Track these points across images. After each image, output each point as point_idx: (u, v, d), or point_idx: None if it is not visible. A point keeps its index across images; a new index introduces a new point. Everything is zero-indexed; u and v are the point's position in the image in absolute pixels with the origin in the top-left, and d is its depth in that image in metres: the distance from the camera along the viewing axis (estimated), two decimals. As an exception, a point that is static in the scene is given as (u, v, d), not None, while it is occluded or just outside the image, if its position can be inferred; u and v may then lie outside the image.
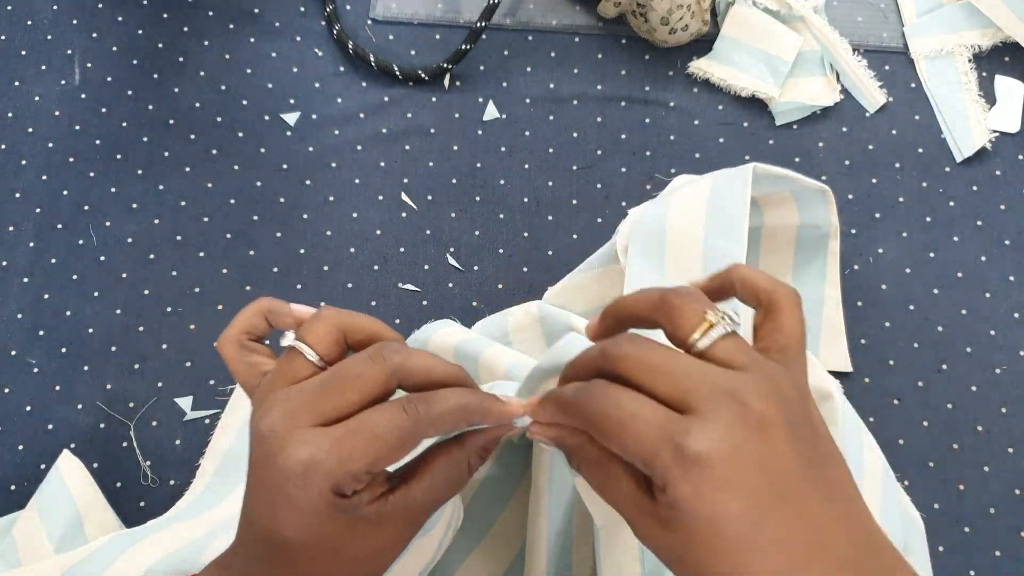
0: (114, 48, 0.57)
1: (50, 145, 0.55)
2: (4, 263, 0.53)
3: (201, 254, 0.54)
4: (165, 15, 0.58)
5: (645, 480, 0.26)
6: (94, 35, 0.57)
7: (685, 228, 0.43)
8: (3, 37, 0.57)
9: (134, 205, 0.55)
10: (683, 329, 0.27)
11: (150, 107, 0.56)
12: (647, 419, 0.25)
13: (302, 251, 0.54)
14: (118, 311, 0.52)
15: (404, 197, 0.55)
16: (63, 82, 0.56)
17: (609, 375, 0.27)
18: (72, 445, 0.50)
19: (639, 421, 0.25)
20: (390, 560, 0.29)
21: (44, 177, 0.55)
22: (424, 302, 0.53)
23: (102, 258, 0.53)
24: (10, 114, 0.56)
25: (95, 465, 0.49)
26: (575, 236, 0.55)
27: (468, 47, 0.55)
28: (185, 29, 0.57)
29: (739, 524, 0.24)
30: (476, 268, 0.54)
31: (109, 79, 0.56)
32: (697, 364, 0.26)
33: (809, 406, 0.27)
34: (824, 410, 0.44)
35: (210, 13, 0.58)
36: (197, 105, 0.56)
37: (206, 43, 0.57)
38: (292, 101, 0.56)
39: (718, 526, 0.24)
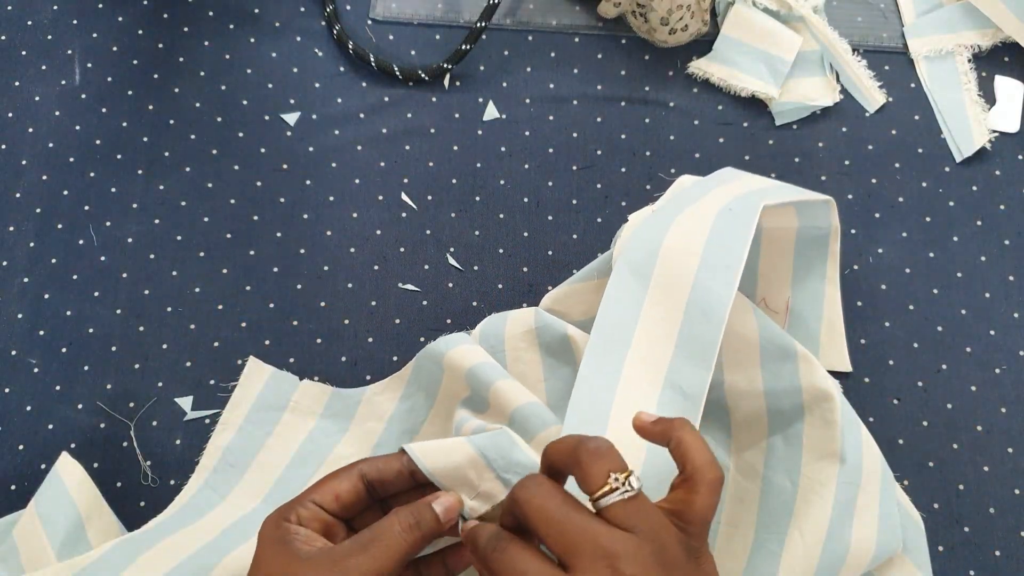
0: (114, 48, 0.57)
1: (50, 145, 0.55)
2: (4, 263, 0.53)
3: (201, 254, 0.54)
4: (165, 15, 0.58)
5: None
6: (94, 35, 0.57)
7: (680, 259, 0.42)
8: (3, 37, 0.57)
9: (134, 205, 0.55)
10: (588, 485, 0.30)
11: (150, 107, 0.56)
12: (560, 514, 0.28)
13: (302, 251, 0.54)
14: (118, 311, 0.52)
15: (404, 197, 0.55)
16: (63, 82, 0.56)
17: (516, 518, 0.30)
18: (72, 445, 0.50)
19: (551, 507, 0.28)
20: None
21: (44, 177, 0.55)
22: (424, 302, 0.53)
23: (102, 258, 0.54)
24: (10, 114, 0.56)
25: (95, 465, 0.49)
26: (575, 236, 0.55)
27: (468, 47, 0.55)
28: (185, 29, 0.57)
29: None
30: (476, 268, 0.54)
31: (109, 79, 0.56)
32: (587, 523, 0.28)
33: (700, 563, 0.29)
34: (823, 411, 0.44)
35: (210, 13, 0.58)
36: (197, 105, 0.56)
37: (206, 43, 0.57)
38: (292, 101, 0.56)
39: None
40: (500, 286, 0.54)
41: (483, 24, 0.54)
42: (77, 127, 0.56)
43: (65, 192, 0.55)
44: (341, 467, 0.35)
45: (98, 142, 0.55)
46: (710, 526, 0.31)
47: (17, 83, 0.56)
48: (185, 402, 0.51)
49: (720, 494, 0.31)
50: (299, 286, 0.53)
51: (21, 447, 0.50)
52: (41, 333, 0.52)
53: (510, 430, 0.39)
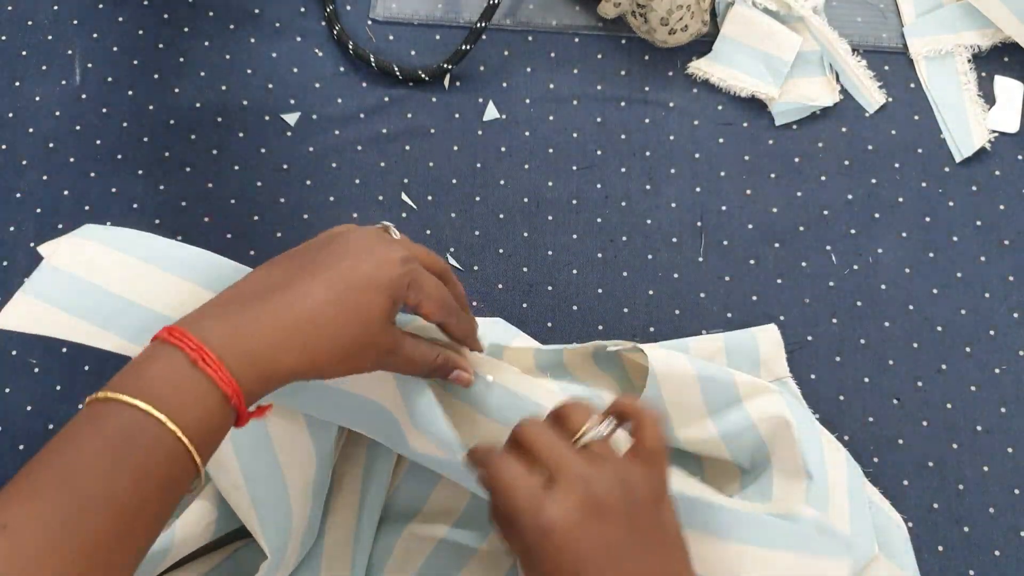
0: (114, 48, 0.57)
1: (50, 145, 0.55)
2: (4, 263, 0.53)
3: (201, 254, 0.54)
4: (165, 15, 0.58)
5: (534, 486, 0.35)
6: (94, 35, 0.57)
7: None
8: (4, 37, 0.57)
9: (135, 205, 0.55)
10: (571, 425, 0.36)
11: (150, 107, 0.56)
12: (520, 486, 0.34)
13: (302, 251, 0.54)
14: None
15: (404, 197, 0.55)
16: (63, 82, 0.56)
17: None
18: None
19: (514, 487, 0.34)
20: (356, 366, 0.37)
21: (45, 177, 0.55)
22: (424, 302, 0.53)
23: (102, 258, 0.54)
24: (10, 114, 0.56)
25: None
26: (575, 236, 0.55)
27: (468, 47, 0.55)
28: (185, 29, 0.57)
29: (570, 565, 0.32)
30: (476, 268, 0.54)
31: (109, 79, 0.56)
32: (571, 452, 0.35)
33: (660, 504, 0.35)
34: (782, 437, 0.45)
35: (210, 13, 0.58)
36: (197, 105, 0.56)
37: (206, 43, 0.57)
38: (292, 101, 0.56)
39: (554, 565, 0.32)
40: (500, 286, 0.54)
41: (483, 24, 0.54)
42: (77, 127, 0.56)
43: (65, 192, 0.55)
44: (443, 294, 0.39)
45: (98, 142, 0.55)
46: (666, 456, 0.36)
47: (17, 83, 0.56)
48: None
49: (661, 424, 0.36)
50: (299, 286, 0.53)
51: (21, 447, 0.50)
52: (41, 333, 0.52)
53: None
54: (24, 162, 0.55)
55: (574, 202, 0.55)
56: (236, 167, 0.55)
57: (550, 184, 0.56)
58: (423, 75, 0.56)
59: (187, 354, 0.32)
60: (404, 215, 0.55)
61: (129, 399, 0.31)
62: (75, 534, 0.28)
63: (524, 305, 0.53)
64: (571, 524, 0.33)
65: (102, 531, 0.29)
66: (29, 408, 0.51)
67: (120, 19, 0.58)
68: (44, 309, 0.38)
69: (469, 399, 0.43)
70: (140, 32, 0.57)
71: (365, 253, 0.36)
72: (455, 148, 0.56)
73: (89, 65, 0.57)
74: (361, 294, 0.36)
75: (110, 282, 0.38)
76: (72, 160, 0.55)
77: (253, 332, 0.33)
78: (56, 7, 0.57)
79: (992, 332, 0.53)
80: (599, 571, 0.33)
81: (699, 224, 0.55)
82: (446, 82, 0.57)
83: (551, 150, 0.56)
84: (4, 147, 0.55)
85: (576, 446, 0.35)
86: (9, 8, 0.57)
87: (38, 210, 0.54)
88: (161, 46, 0.57)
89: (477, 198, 0.55)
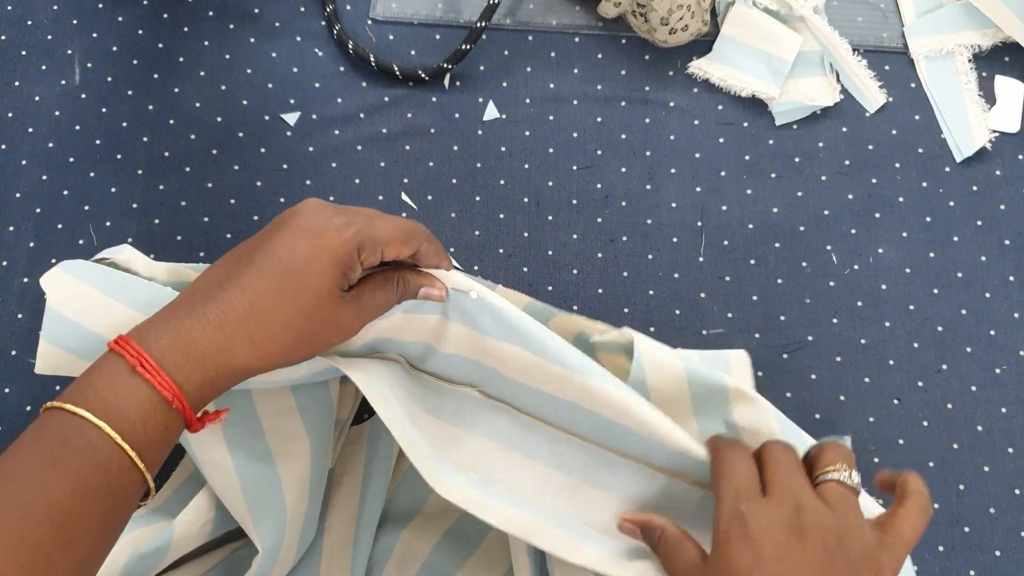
0: (114, 48, 0.57)
1: (50, 145, 0.55)
2: (4, 263, 0.53)
3: (201, 254, 0.54)
4: (165, 15, 0.58)
5: (702, 556, 0.34)
6: (94, 35, 0.57)
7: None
8: (3, 37, 0.57)
9: (134, 205, 0.55)
10: (818, 462, 0.35)
11: (150, 107, 0.56)
12: (740, 474, 0.34)
13: (302, 251, 0.54)
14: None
15: (404, 197, 0.55)
16: (63, 82, 0.56)
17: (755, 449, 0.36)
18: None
19: (735, 474, 0.34)
20: (322, 344, 0.36)
21: (44, 177, 0.55)
22: (424, 302, 0.53)
23: (102, 258, 0.54)
24: (10, 114, 0.56)
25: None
26: (575, 236, 0.55)
27: (468, 47, 0.55)
28: (185, 29, 0.57)
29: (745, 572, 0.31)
30: (476, 268, 0.54)
31: (109, 79, 0.56)
32: (799, 475, 0.34)
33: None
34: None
35: (210, 13, 0.58)
36: (197, 105, 0.56)
37: (206, 43, 0.57)
38: (292, 101, 0.56)
39: (731, 568, 0.32)
40: (500, 286, 0.54)
41: (483, 24, 0.54)
42: (77, 127, 0.56)
43: (65, 192, 0.55)
44: (409, 230, 0.38)
45: (98, 142, 0.55)
46: (909, 549, 0.33)
47: (17, 83, 0.56)
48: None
49: (928, 515, 0.34)
50: (299, 286, 0.53)
51: (21, 447, 0.50)
52: (41, 333, 0.52)
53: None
54: (24, 162, 0.55)
55: (574, 202, 0.55)
56: (236, 167, 0.55)
57: (550, 184, 0.55)
58: (423, 75, 0.56)
59: (127, 361, 0.32)
60: (404, 215, 0.55)
61: (70, 407, 0.31)
62: (12, 541, 0.28)
63: (524, 305, 0.54)
64: (767, 524, 0.32)
65: (40, 538, 0.29)
66: (29, 408, 0.51)
67: (120, 19, 0.58)
68: (63, 356, 0.40)
69: (449, 313, 0.42)
70: (140, 32, 0.57)
71: (304, 230, 0.35)
72: (455, 148, 0.56)
73: (89, 65, 0.57)
74: (302, 274, 0.35)
75: (100, 327, 0.40)
76: (72, 160, 0.55)
77: (196, 334, 0.33)
78: (56, 7, 0.57)
79: (992, 332, 0.53)
80: None
81: (699, 224, 0.55)
82: (446, 82, 0.57)
83: (551, 150, 0.56)
84: (4, 147, 0.55)
85: (814, 481, 0.34)
86: (9, 8, 0.57)
87: (38, 210, 0.54)
88: (161, 46, 0.57)
89: (477, 198, 0.55)
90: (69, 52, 0.57)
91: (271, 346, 0.34)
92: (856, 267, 0.54)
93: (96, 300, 0.40)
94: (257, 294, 0.34)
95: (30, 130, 0.55)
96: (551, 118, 0.56)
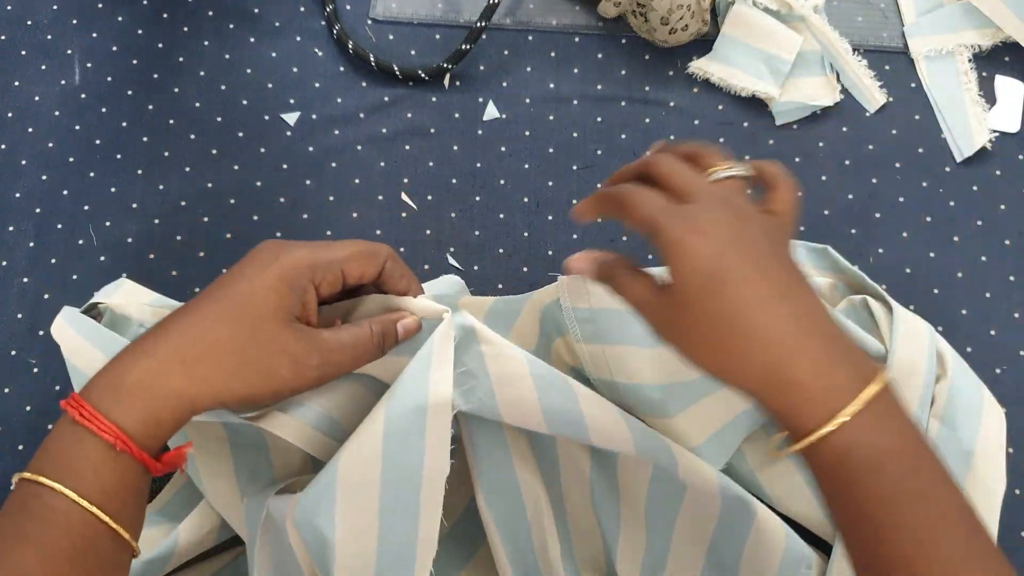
0: (114, 48, 0.57)
1: (50, 145, 0.55)
2: (4, 263, 0.53)
3: (201, 254, 0.54)
4: (165, 15, 0.58)
5: (654, 286, 0.35)
6: (94, 35, 0.57)
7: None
8: (3, 37, 0.57)
9: (134, 205, 0.55)
10: (706, 162, 0.36)
11: (150, 107, 0.56)
12: (655, 200, 0.34)
13: (302, 251, 0.54)
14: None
15: (404, 197, 0.55)
16: (63, 82, 0.56)
17: (643, 178, 0.36)
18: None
19: (650, 200, 0.34)
20: (270, 373, 0.34)
21: (44, 177, 0.55)
22: (424, 302, 0.53)
23: (102, 258, 0.54)
24: (10, 114, 0.56)
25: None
26: (575, 236, 0.55)
27: (468, 47, 0.55)
28: (185, 29, 0.57)
29: (715, 262, 0.32)
30: (476, 268, 0.54)
31: (109, 79, 0.56)
32: (704, 179, 0.35)
33: (785, 249, 0.35)
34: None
35: (210, 13, 0.58)
36: (197, 105, 0.56)
37: (206, 43, 0.57)
38: (292, 101, 0.56)
39: (698, 265, 0.32)
40: (500, 286, 0.54)
41: (483, 24, 0.54)
42: (77, 127, 0.56)
43: (65, 192, 0.55)
44: (370, 246, 0.37)
45: (98, 142, 0.55)
46: (795, 221, 0.36)
47: (17, 83, 0.56)
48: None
49: (796, 191, 0.36)
50: (299, 286, 0.53)
51: (21, 447, 0.50)
52: (41, 333, 0.52)
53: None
54: (24, 162, 0.55)
55: (574, 202, 0.55)
56: (236, 167, 0.55)
57: (550, 184, 0.55)
58: (423, 75, 0.56)
59: (69, 412, 0.31)
60: (404, 215, 0.55)
61: (28, 475, 0.30)
62: None
63: (524, 305, 0.54)
64: (712, 216, 0.33)
65: None
66: (29, 408, 0.51)
67: (120, 19, 0.58)
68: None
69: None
70: (140, 32, 0.57)
71: (255, 259, 0.35)
72: (455, 148, 0.56)
73: (89, 65, 0.57)
74: (246, 296, 0.33)
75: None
76: (72, 160, 0.55)
77: (128, 365, 0.32)
78: (56, 7, 0.57)
79: (992, 332, 0.53)
80: (745, 256, 0.32)
81: (699, 224, 0.55)
82: (446, 82, 0.57)
83: (551, 150, 0.56)
84: (4, 147, 0.55)
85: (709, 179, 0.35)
86: (9, 8, 0.57)
87: (38, 210, 0.54)
88: (161, 46, 0.57)
89: (477, 198, 0.55)
90: (69, 52, 0.57)
91: (208, 369, 0.33)
92: (856, 267, 0.54)
93: (92, 356, 0.41)
94: (194, 318, 0.33)
95: (30, 130, 0.55)
96: (551, 118, 0.56)
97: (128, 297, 0.46)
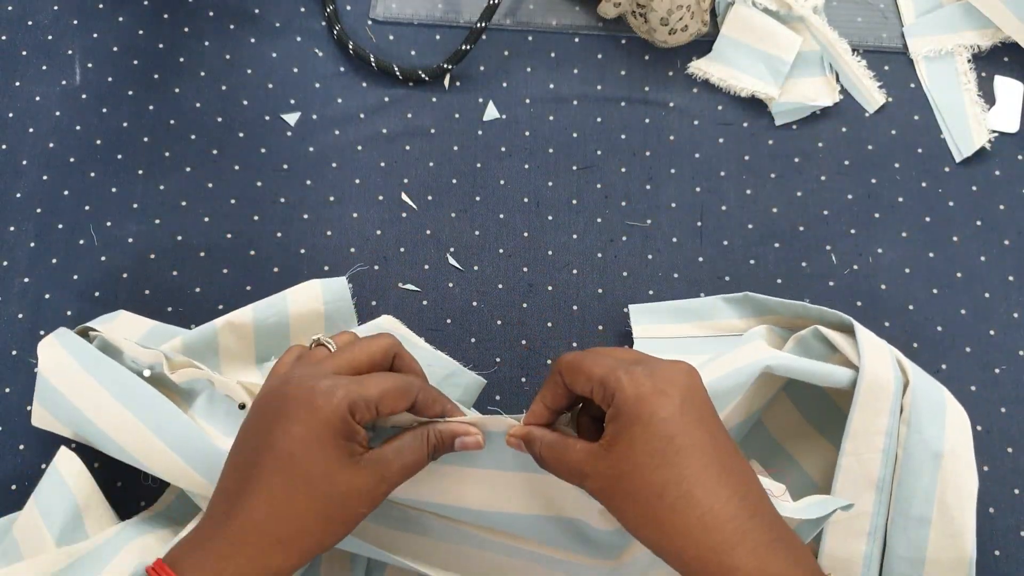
0: (115, 48, 0.57)
1: (51, 145, 0.55)
2: (4, 263, 0.53)
3: (201, 254, 0.54)
4: (165, 15, 0.58)
5: (591, 449, 0.35)
6: (95, 35, 0.57)
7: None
8: (3, 37, 0.57)
9: (135, 205, 0.55)
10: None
11: (151, 107, 0.56)
12: (606, 358, 0.35)
13: (303, 251, 0.54)
14: (119, 311, 0.52)
15: (404, 197, 0.55)
16: (64, 82, 0.56)
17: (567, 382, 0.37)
18: (72, 445, 0.49)
19: (602, 358, 0.35)
20: (351, 517, 0.36)
21: (45, 177, 0.55)
22: (424, 302, 0.53)
23: (103, 258, 0.54)
24: (10, 114, 0.56)
25: (95, 465, 0.49)
26: (575, 236, 0.55)
27: (468, 47, 0.55)
28: (185, 29, 0.57)
29: (669, 426, 0.32)
30: (476, 268, 0.54)
31: (110, 79, 0.56)
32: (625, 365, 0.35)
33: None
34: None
35: (210, 13, 0.58)
36: (198, 105, 0.56)
37: (206, 43, 0.57)
38: (292, 101, 0.56)
39: (659, 429, 0.32)
40: (500, 286, 0.54)
41: (483, 24, 0.54)
42: (77, 127, 0.56)
43: (65, 192, 0.55)
44: (398, 379, 0.37)
45: (98, 142, 0.56)
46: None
47: (17, 83, 0.56)
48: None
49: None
50: (299, 286, 0.53)
51: (21, 447, 0.50)
52: (41, 333, 0.52)
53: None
54: (24, 162, 0.55)
55: (574, 202, 0.55)
56: (236, 167, 0.55)
57: (550, 184, 0.56)
58: (423, 75, 0.56)
59: None
60: (404, 215, 0.55)
61: None
62: None
63: (524, 305, 0.54)
64: (667, 377, 0.34)
65: None
66: (29, 408, 0.51)
67: (120, 19, 0.58)
68: (49, 416, 0.45)
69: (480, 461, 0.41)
70: (140, 32, 0.57)
71: (294, 411, 0.35)
72: (455, 148, 0.56)
73: (89, 65, 0.57)
74: (306, 460, 0.35)
75: (80, 402, 0.44)
76: (72, 160, 0.55)
77: (225, 551, 0.34)
78: (56, 7, 0.57)
79: (992, 332, 0.53)
80: (700, 422, 0.33)
81: (699, 224, 0.55)
82: (446, 82, 0.57)
83: (551, 150, 0.56)
84: (4, 147, 0.55)
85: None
86: (9, 8, 0.57)
87: (38, 210, 0.54)
88: (161, 46, 0.57)
89: (477, 198, 0.55)
90: (70, 52, 0.57)
91: (301, 541, 0.35)
92: (856, 267, 0.54)
93: (79, 378, 0.44)
94: (271, 495, 0.35)
95: (31, 130, 0.55)
96: (551, 118, 0.56)
97: (125, 329, 0.48)
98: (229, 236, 0.54)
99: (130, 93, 0.56)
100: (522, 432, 0.38)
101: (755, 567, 0.31)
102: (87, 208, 0.54)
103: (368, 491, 0.36)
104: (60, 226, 0.54)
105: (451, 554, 0.43)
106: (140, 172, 0.55)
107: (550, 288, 0.54)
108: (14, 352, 0.52)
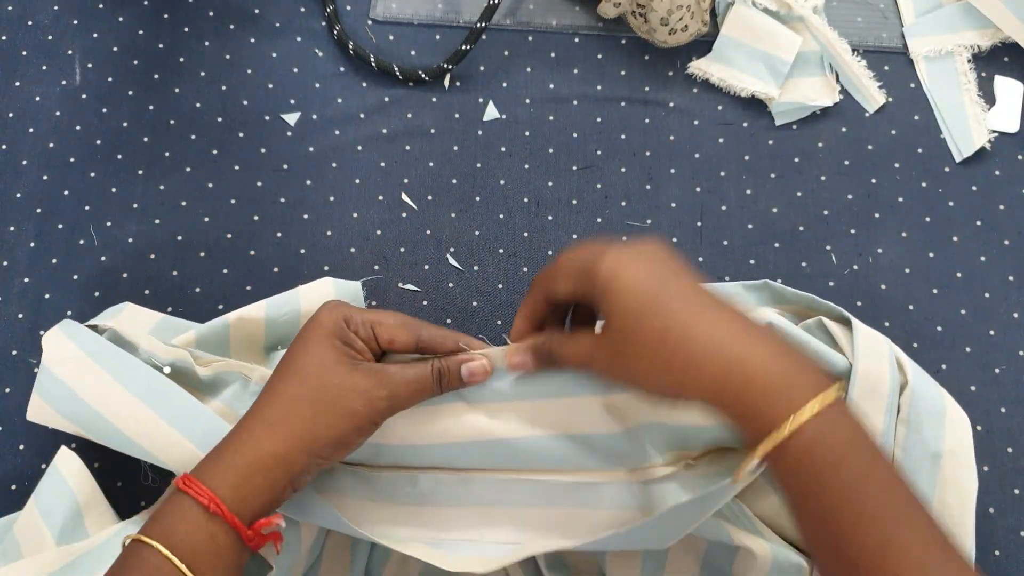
0: (115, 48, 0.57)
1: (51, 145, 0.55)
2: (4, 263, 0.53)
3: (201, 254, 0.54)
4: (165, 15, 0.58)
5: (591, 337, 0.37)
6: (95, 35, 0.57)
7: None
8: (3, 37, 0.57)
9: (135, 205, 0.55)
10: None
11: (151, 107, 0.56)
12: (581, 251, 0.37)
13: (303, 251, 0.54)
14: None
15: (404, 197, 0.55)
16: (64, 82, 0.56)
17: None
18: (72, 445, 0.49)
19: (577, 252, 0.37)
20: (345, 410, 0.38)
21: (45, 177, 0.55)
22: (424, 302, 0.53)
23: (102, 258, 0.54)
24: (10, 114, 0.56)
25: (96, 465, 0.49)
26: (575, 236, 0.55)
27: (468, 47, 0.55)
28: (185, 29, 0.57)
29: (649, 285, 0.34)
30: (476, 268, 0.54)
31: (110, 79, 0.56)
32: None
33: None
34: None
35: (210, 13, 0.58)
36: (198, 105, 0.56)
37: (206, 43, 0.57)
38: (292, 101, 0.56)
39: (635, 289, 0.34)
40: (500, 286, 0.54)
41: (483, 24, 0.54)
42: (77, 127, 0.56)
43: (65, 192, 0.55)
44: (402, 316, 0.40)
45: (98, 142, 0.56)
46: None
47: (17, 83, 0.56)
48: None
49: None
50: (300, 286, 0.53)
51: (21, 447, 0.50)
52: (41, 333, 0.52)
53: None
54: (24, 162, 0.55)
55: (574, 202, 0.55)
56: (236, 167, 0.55)
57: (550, 184, 0.56)
58: (423, 75, 0.56)
59: (176, 485, 0.36)
60: (404, 215, 0.55)
61: (135, 535, 0.35)
62: None
63: (524, 305, 0.54)
64: (638, 249, 0.36)
65: None
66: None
67: (120, 19, 0.58)
68: (49, 410, 0.44)
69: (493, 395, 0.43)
70: (140, 32, 0.57)
71: (304, 329, 0.40)
72: (455, 148, 0.56)
73: (89, 65, 0.57)
74: (304, 354, 0.39)
75: (88, 394, 0.43)
76: (72, 160, 0.55)
77: (229, 443, 0.38)
78: (56, 7, 0.57)
79: (992, 332, 0.53)
80: (675, 278, 0.35)
81: (699, 224, 0.55)
82: (446, 82, 0.57)
83: (551, 150, 0.56)
84: (4, 147, 0.55)
85: None
86: (9, 8, 0.57)
87: (38, 210, 0.54)
88: (161, 46, 0.57)
89: (477, 198, 0.55)
90: (70, 52, 0.57)
91: (291, 424, 0.37)
92: (856, 267, 0.54)
93: (88, 369, 0.43)
94: (271, 392, 0.39)
95: (31, 130, 0.55)
96: (551, 118, 0.57)
97: (133, 322, 0.48)
98: (229, 236, 0.54)
99: (130, 93, 0.56)
100: (528, 344, 0.40)
101: (770, 375, 0.32)
102: (87, 208, 0.54)
103: (364, 390, 0.38)
104: (60, 226, 0.54)
105: (439, 518, 0.44)
106: (140, 172, 0.55)
107: (550, 288, 0.54)
108: (14, 352, 0.52)
